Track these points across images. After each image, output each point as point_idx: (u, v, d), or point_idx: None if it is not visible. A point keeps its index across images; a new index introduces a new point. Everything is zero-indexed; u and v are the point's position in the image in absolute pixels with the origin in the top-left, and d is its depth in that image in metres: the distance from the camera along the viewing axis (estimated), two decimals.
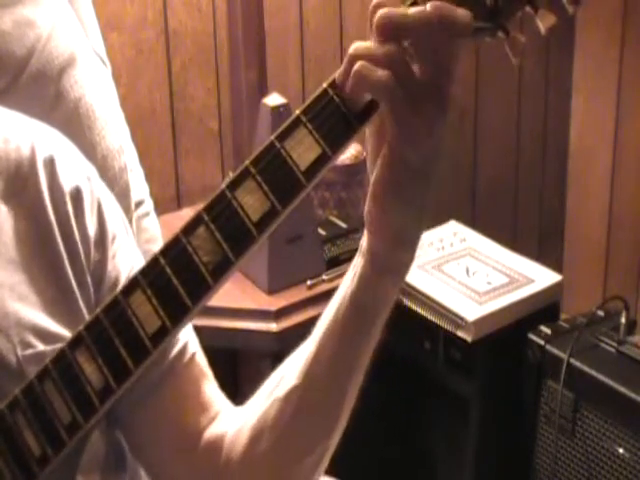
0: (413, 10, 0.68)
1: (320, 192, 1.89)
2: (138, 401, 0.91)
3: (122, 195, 1.17)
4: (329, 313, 0.81)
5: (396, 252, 0.76)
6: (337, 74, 0.71)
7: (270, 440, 0.86)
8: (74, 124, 1.12)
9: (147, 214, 1.27)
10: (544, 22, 0.72)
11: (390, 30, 0.69)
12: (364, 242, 0.77)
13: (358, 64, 0.69)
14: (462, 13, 0.68)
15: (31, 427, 0.79)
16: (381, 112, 0.72)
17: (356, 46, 0.70)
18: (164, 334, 0.74)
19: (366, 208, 0.75)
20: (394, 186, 0.72)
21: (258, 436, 0.86)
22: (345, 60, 0.70)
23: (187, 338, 0.94)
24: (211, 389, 0.94)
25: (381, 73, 0.68)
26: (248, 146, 1.79)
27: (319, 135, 0.71)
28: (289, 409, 0.84)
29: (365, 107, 0.71)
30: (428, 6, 0.68)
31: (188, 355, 0.94)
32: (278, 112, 1.65)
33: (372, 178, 0.74)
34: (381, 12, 0.69)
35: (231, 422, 0.91)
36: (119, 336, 0.75)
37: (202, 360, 0.95)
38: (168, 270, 0.73)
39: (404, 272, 0.78)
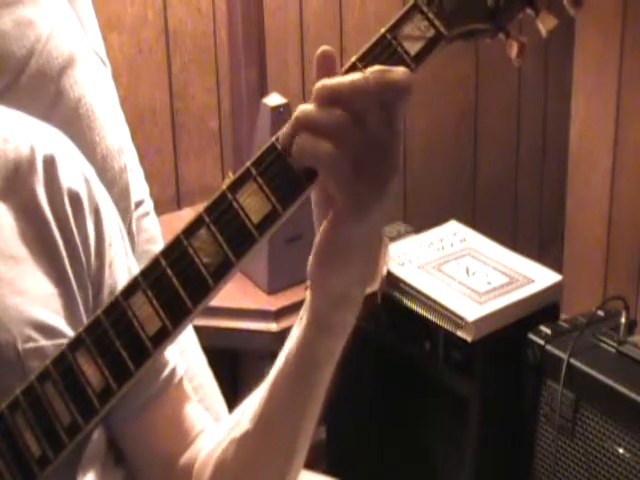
0: (348, 77, 0.67)
1: None
2: (126, 418, 0.92)
3: (122, 195, 1.17)
4: (279, 363, 0.82)
5: (335, 311, 0.76)
6: (280, 134, 0.70)
7: (229, 478, 0.87)
8: (74, 124, 1.12)
9: (147, 214, 1.27)
10: (545, 24, 0.72)
11: (328, 99, 0.68)
12: (307, 299, 0.77)
13: (301, 137, 0.67)
14: (400, 74, 0.67)
15: (31, 428, 0.79)
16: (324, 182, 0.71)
17: (301, 109, 0.69)
18: (165, 336, 0.74)
19: (308, 266, 0.74)
20: (335, 254, 0.72)
21: (219, 472, 0.88)
22: (289, 123, 0.69)
23: (176, 362, 0.95)
24: (194, 412, 0.96)
25: (324, 146, 0.67)
26: (248, 146, 1.79)
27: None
28: (244, 452, 0.85)
29: None
30: (367, 72, 0.67)
31: (177, 378, 0.95)
32: (278, 112, 1.65)
33: (316, 239, 0.73)
34: (318, 83, 0.68)
35: (203, 448, 0.92)
36: (120, 337, 0.75)
37: (187, 384, 0.97)
38: (169, 271, 0.73)
39: (343, 331, 0.78)
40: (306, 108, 0.68)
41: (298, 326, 0.79)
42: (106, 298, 0.92)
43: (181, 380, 0.95)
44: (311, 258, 0.74)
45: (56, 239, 0.90)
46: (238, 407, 0.88)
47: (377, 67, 0.68)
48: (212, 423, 0.97)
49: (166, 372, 0.94)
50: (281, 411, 0.83)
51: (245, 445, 0.85)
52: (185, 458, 0.93)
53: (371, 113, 0.67)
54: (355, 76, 0.67)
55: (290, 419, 0.83)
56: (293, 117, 0.69)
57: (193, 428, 0.95)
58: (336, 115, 0.67)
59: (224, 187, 0.72)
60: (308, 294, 0.77)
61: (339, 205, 0.70)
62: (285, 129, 0.70)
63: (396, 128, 0.68)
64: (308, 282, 0.76)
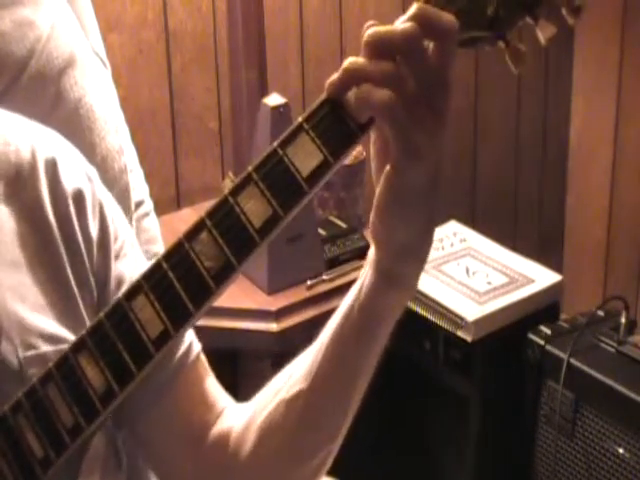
0: (400, 27, 0.68)
1: (320, 192, 1.89)
2: (148, 401, 0.91)
3: (122, 196, 1.17)
4: (336, 320, 0.82)
5: (402, 265, 0.76)
6: (331, 84, 0.70)
7: (276, 441, 0.87)
8: (74, 125, 1.12)
9: (147, 214, 1.27)
10: (544, 32, 0.72)
11: (378, 46, 0.69)
12: (371, 255, 0.77)
13: (360, 88, 0.69)
14: (447, 17, 0.68)
15: (34, 430, 0.79)
16: (383, 130, 0.72)
17: (352, 61, 0.70)
18: (166, 338, 0.74)
19: (371, 222, 0.75)
20: (398, 203, 0.73)
21: (265, 436, 0.87)
22: (339, 72, 0.70)
23: (191, 337, 0.95)
24: (215, 386, 0.96)
25: (382, 94, 0.68)
26: (248, 146, 1.79)
27: (321, 142, 0.71)
28: (295, 412, 0.85)
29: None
30: (413, 9, 0.68)
31: (194, 353, 0.95)
32: (278, 112, 1.65)
33: (376, 194, 0.74)
34: (368, 31, 0.69)
35: (237, 419, 0.91)
36: (122, 340, 0.75)
37: (204, 358, 0.97)
38: (171, 275, 0.73)
39: (412, 284, 0.78)
40: (356, 60, 0.69)
41: (360, 282, 0.79)
42: (113, 290, 0.92)
43: (199, 355, 0.95)
44: (372, 213, 0.74)
45: (57, 242, 0.90)
46: (279, 374, 0.88)
47: (423, 5, 0.69)
48: (233, 401, 0.96)
49: (183, 349, 0.93)
50: (339, 367, 0.82)
51: (297, 404, 0.84)
52: (215, 431, 0.92)
53: (422, 61, 0.68)
54: (406, 25, 0.68)
55: (348, 374, 0.83)
56: (343, 68, 0.70)
57: (217, 401, 0.94)
58: (387, 66, 0.68)
59: (226, 191, 0.72)
60: (372, 251, 0.77)
61: (395, 153, 0.70)
62: (334, 80, 0.70)
63: (444, 78, 0.69)
64: (371, 239, 0.76)
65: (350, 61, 0.70)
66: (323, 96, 0.71)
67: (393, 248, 0.75)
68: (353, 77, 0.69)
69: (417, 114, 0.69)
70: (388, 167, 0.72)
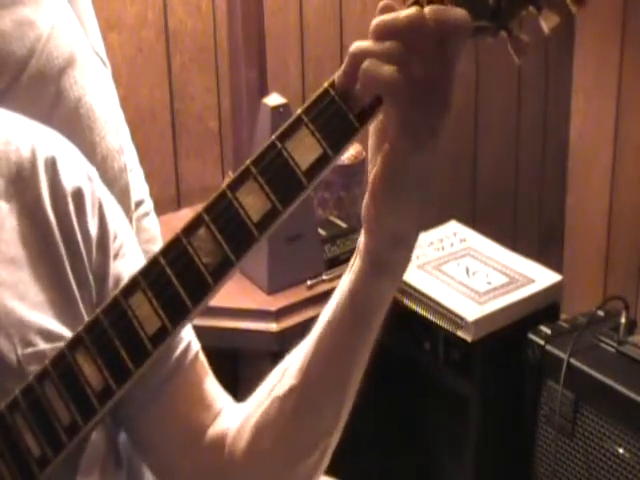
0: (405, 12, 0.68)
1: (320, 192, 1.89)
2: (146, 400, 0.91)
3: (122, 195, 1.17)
4: (327, 313, 0.82)
5: (393, 251, 0.76)
6: (337, 74, 0.71)
7: (271, 439, 0.87)
8: (74, 124, 1.12)
9: (147, 214, 1.27)
10: (548, 22, 0.72)
11: (384, 33, 0.69)
12: (361, 242, 0.77)
13: (365, 62, 0.69)
14: (460, 13, 0.69)
15: (31, 428, 0.79)
16: (384, 111, 0.72)
17: (356, 45, 0.70)
18: (164, 335, 0.74)
19: (364, 207, 0.75)
20: (393, 186, 0.72)
21: (259, 434, 0.87)
22: (346, 60, 0.70)
23: (190, 336, 0.95)
24: (213, 386, 0.96)
25: (387, 68, 0.68)
26: (248, 146, 1.79)
27: (320, 135, 0.70)
28: (289, 408, 0.85)
29: (367, 107, 0.71)
30: (425, 10, 0.69)
31: (192, 353, 0.94)
32: (278, 112, 1.65)
33: (371, 177, 0.73)
34: (374, 20, 0.69)
35: (233, 419, 0.91)
36: (119, 337, 0.75)
37: (204, 358, 0.96)
38: (168, 271, 0.73)
39: (401, 271, 0.78)
40: (361, 43, 0.70)
41: (349, 273, 0.79)
42: (111, 289, 0.92)
43: (197, 354, 0.95)
44: (366, 198, 0.74)
45: (57, 241, 0.90)
46: (273, 371, 0.88)
47: (435, 5, 0.69)
48: (232, 401, 0.96)
49: (181, 348, 0.93)
50: (329, 362, 0.82)
51: (290, 400, 0.84)
52: (212, 432, 0.92)
53: (426, 48, 0.68)
54: (411, 11, 0.68)
55: (341, 367, 0.83)
56: (349, 53, 0.70)
57: (215, 401, 0.94)
58: (391, 45, 0.68)
59: (224, 186, 0.72)
60: (362, 238, 0.77)
61: (394, 137, 0.70)
62: (341, 68, 0.70)
63: (449, 68, 0.69)
64: (363, 225, 0.76)
65: (355, 45, 0.70)
66: (322, 89, 0.71)
67: (384, 235, 0.75)
68: (359, 58, 0.69)
69: (420, 97, 0.69)
70: (386, 146, 0.71)
